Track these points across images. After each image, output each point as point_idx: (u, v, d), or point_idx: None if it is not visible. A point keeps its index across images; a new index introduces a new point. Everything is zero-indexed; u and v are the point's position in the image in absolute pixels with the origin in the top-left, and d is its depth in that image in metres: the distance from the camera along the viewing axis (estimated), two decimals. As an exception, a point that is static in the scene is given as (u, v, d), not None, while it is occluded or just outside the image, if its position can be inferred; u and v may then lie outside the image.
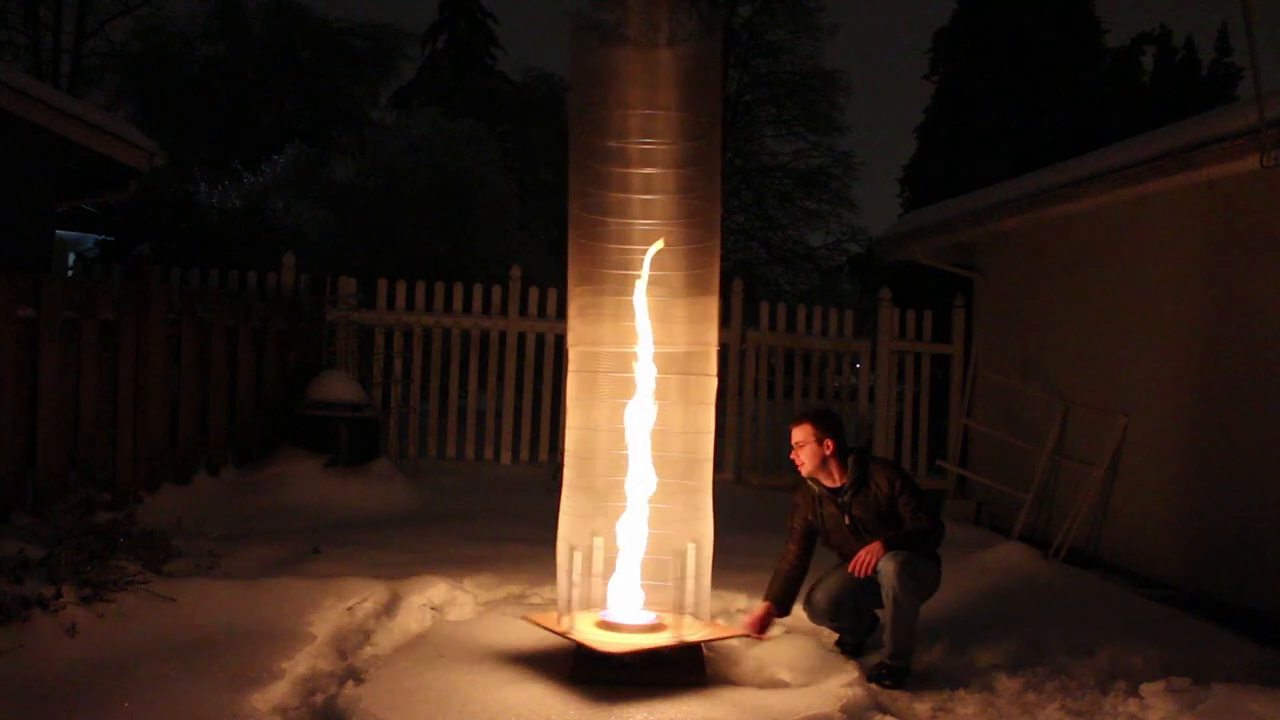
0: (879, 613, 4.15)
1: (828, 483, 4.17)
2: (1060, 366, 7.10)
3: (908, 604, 3.93)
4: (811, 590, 4.29)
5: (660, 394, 3.90)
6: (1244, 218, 5.57)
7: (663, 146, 3.89)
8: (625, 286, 3.90)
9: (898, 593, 3.90)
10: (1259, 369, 5.36)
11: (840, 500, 4.13)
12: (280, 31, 23.39)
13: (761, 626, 4.19)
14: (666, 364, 3.91)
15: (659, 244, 3.87)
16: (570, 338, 4.05)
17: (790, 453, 4.22)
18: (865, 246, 26.52)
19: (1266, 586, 5.14)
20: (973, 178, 11.45)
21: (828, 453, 4.12)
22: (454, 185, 14.38)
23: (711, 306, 3.98)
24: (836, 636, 4.35)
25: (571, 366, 4.05)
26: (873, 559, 3.93)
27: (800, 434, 4.16)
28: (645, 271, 3.88)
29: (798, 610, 4.74)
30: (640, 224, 3.90)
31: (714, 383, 4.03)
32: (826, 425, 4.16)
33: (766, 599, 4.25)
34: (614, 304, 3.92)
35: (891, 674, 3.95)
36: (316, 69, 24.01)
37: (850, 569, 4.04)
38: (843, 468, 4.14)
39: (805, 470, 4.18)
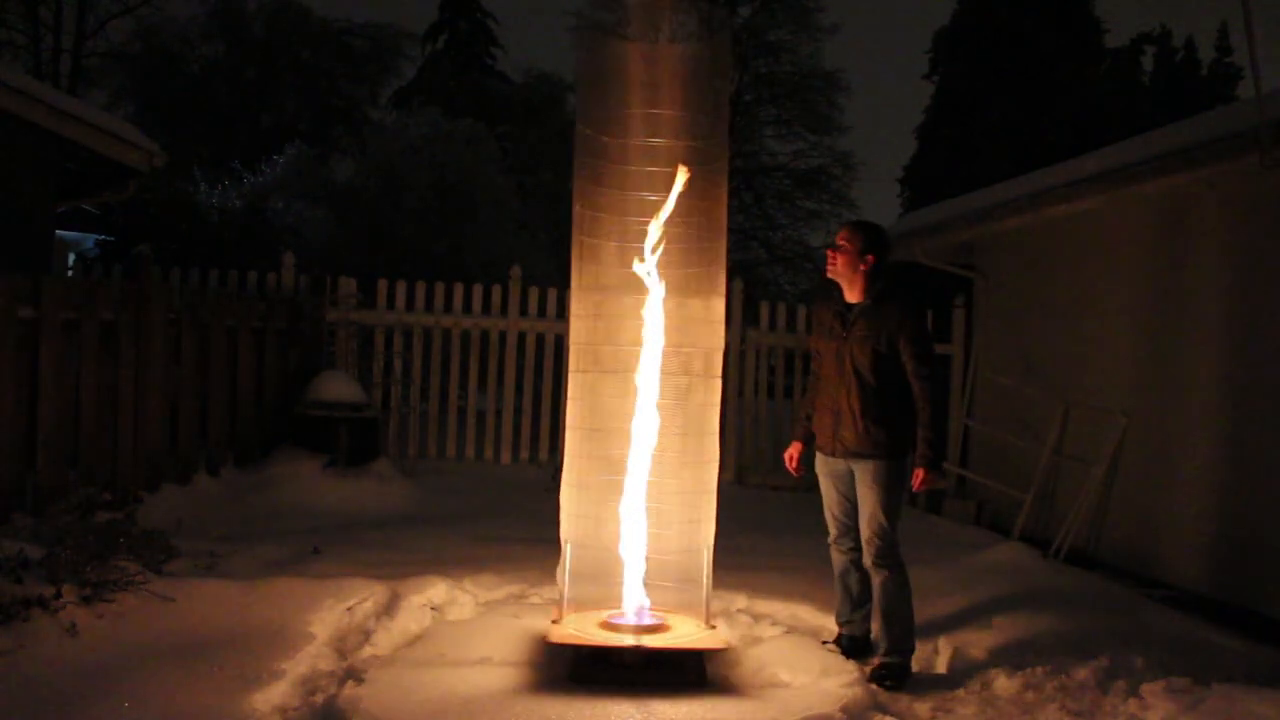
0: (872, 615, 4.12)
1: (848, 296, 4.11)
2: (1060, 366, 7.10)
3: (898, 597, 3.98)
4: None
5: (663, 394, 3.89)
6: (1244, 217, 5.57)
7: (666, 145, 3.89)
8: (627, 286, 3.89)
9: (885, 595, 3.97)
10: (1259, 368, 5.36)
11: (849, 316, 4.08)
12: (280, 31, 23.36)
13: (798, 465, 4.31)
14: (669, 364, 3.91)
15: (682, 177, 3.80)
16: (571, 337, 4.04)
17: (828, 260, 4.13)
18: (865, 246, 26.51)
19: (1267, 587, 5.14)
20: (973, 178, 11.47)
21: (863, 268, 4.04)
22: (454, 185, 14.36)
23: (716, 307, 3.97)
24: (834, 636, 4.35)
25: (572, 366, 4.05)
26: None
27: (845, 238, 4.09)
28: (651, 272, 3.87)
29: (798, 610, 4.75)
30: (642, 222, 3.90)
31: (718, 384, 4.01)
32: (873, 242, 4.07)
33: (794, 439, 4.36)
34: (615, 303, 3.92)
35: (892, 673, 3.92)
36: (316, 69, 24.00)
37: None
38: (869, 290, 4.07)
39: (833, 273, 4.10)
